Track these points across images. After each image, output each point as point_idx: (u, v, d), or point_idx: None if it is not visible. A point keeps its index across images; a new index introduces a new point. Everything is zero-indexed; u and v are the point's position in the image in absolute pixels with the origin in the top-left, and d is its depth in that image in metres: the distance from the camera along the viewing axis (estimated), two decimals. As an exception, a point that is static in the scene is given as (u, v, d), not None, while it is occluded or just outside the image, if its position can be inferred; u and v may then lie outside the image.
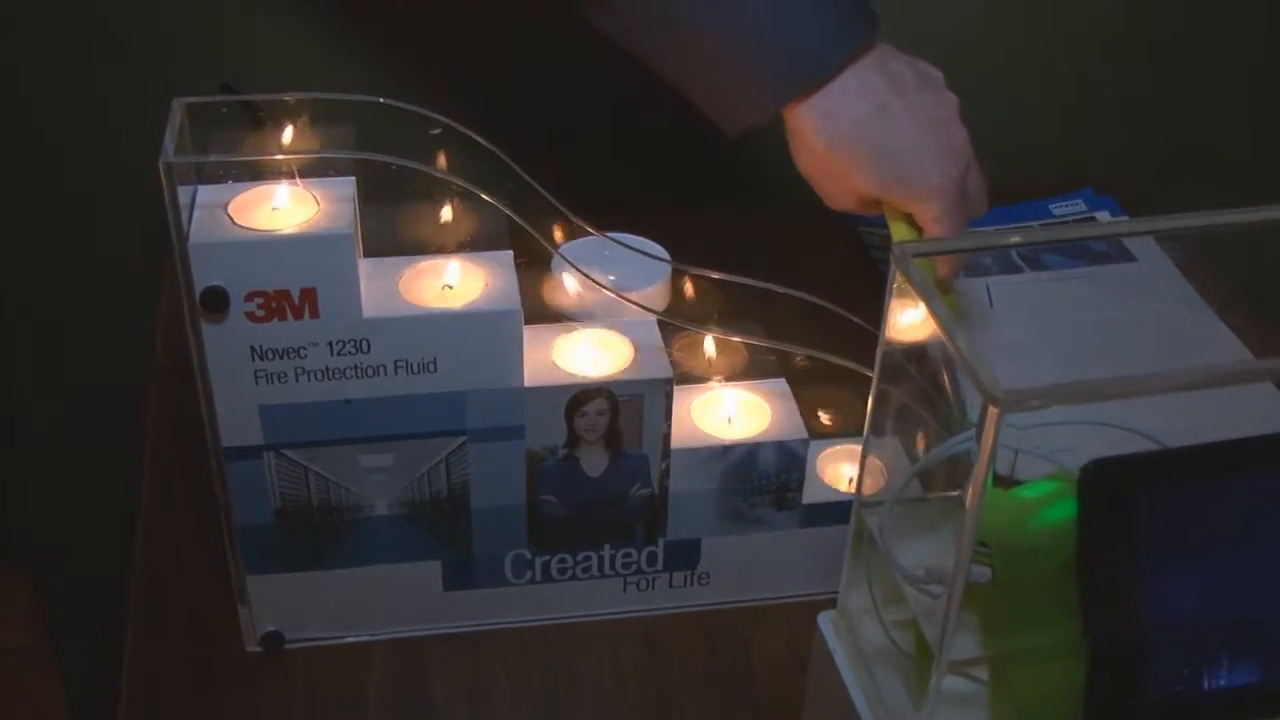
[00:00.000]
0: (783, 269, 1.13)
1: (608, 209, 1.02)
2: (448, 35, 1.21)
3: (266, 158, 0.71)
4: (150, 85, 1.12)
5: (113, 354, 1.24)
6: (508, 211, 0.73)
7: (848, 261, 1.16)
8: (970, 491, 0.55)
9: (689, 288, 0.90)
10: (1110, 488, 0.61)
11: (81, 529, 1.40)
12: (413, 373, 0.74)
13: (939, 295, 0.57)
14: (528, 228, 0.73)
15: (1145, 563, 0.60)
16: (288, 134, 0.74)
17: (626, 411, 0.78)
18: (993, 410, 0.53)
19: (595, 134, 1.29)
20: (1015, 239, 0.79)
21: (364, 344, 0.73)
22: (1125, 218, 1.20)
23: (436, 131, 0.75)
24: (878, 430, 0.67)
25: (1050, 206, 1.22)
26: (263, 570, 0.80)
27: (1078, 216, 1.20)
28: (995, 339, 1.06)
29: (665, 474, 0.80)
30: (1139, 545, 0.60)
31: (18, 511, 1.44)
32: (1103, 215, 1.21)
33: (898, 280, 0.60)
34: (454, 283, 0.75)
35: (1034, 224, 1.20)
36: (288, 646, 0.83)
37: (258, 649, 0.83)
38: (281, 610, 0.82)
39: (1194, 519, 0.62)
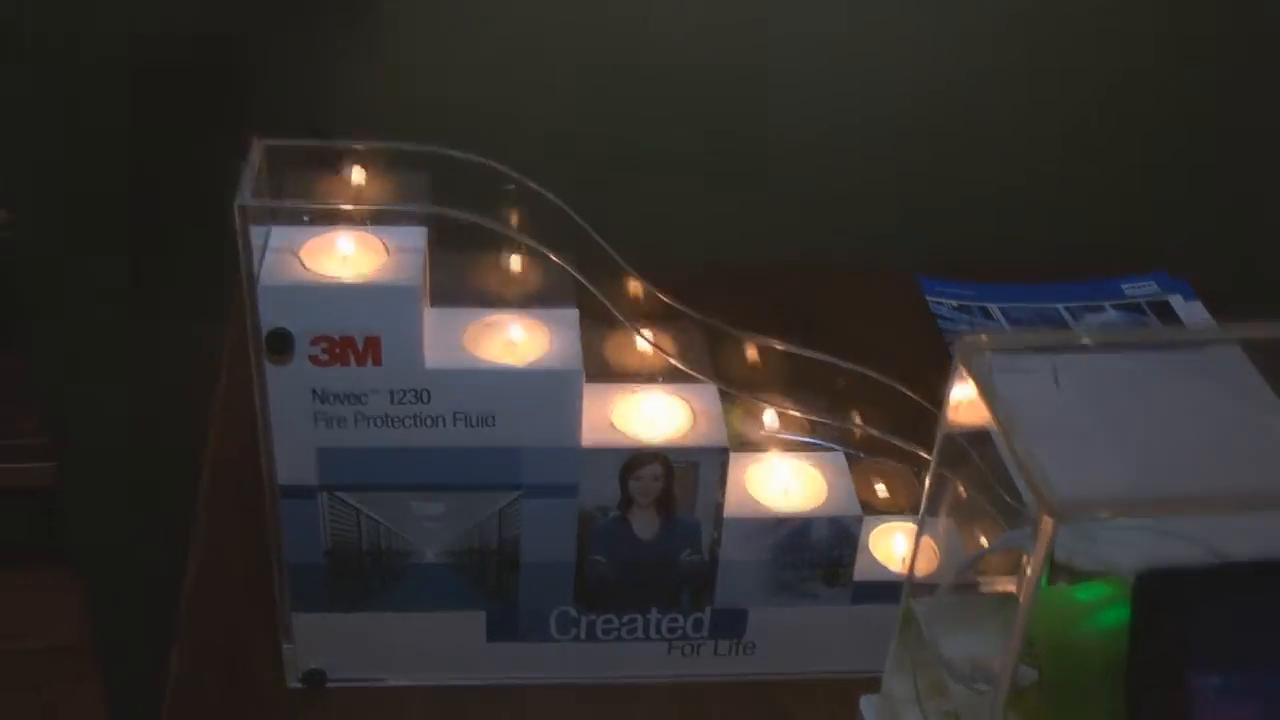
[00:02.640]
0: (851, 332, 1.12)
1: (674, 265, 1.02)
2: (534, 93, 1.22)
3: (338, 206, 0.72)
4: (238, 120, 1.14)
5: (179, 371, 1.25)
6: (573, 272, 0.73)
7: (915, 328, 1.15)
8: (1022, 598, 0.55)
9: (751, 353, 0.89)
10: (1165, 599, 0.60)
11: (137, 535, 1.41)
12: (471, 425, 0.74)
13: (999, 394, 0.56)
14: (593, 290, 0.73)
15: (1197, 678, 0.58)
16: (363, 179, 0.75)
17: (681, 478, 0.77)
18: (1048, 519, 0.52)
19: (665, 190, 1.29)
20: (1086, 340, 0.77)
21: (424, 394, 0.73)
22: (1198, 303, 1.19)
23: (510, 187, 0.75)
24: (932, 513, 0.66)
25: (1123, 286, 1.21)
26: (309, 608, 0.80)
27: (1149, 298, 1.19)
28: (1058, 421, 1.05)
29: (716, 542, 0.80)
30: (1192, 660, 0.59)
31: (76, 515, 1.45)
32: (1175, 299, 1.19)
33: (960, 373, 0.59)
34: (518, 339, 0.75)
35: (1106, 303, 1.19)
36: (329, 685, 0.83)
37: (299, 685, 0.83)
38: (325, 649, 0.82)
39: (1251, 637, 0.61)
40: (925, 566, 0.71)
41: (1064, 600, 0.66)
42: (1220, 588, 0.61)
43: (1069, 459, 1.02)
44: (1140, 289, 1.21)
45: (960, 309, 1.17)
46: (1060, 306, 1.18)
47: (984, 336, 0.59)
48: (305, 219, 0.73)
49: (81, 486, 1.43)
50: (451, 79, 1.21)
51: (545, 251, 0.72)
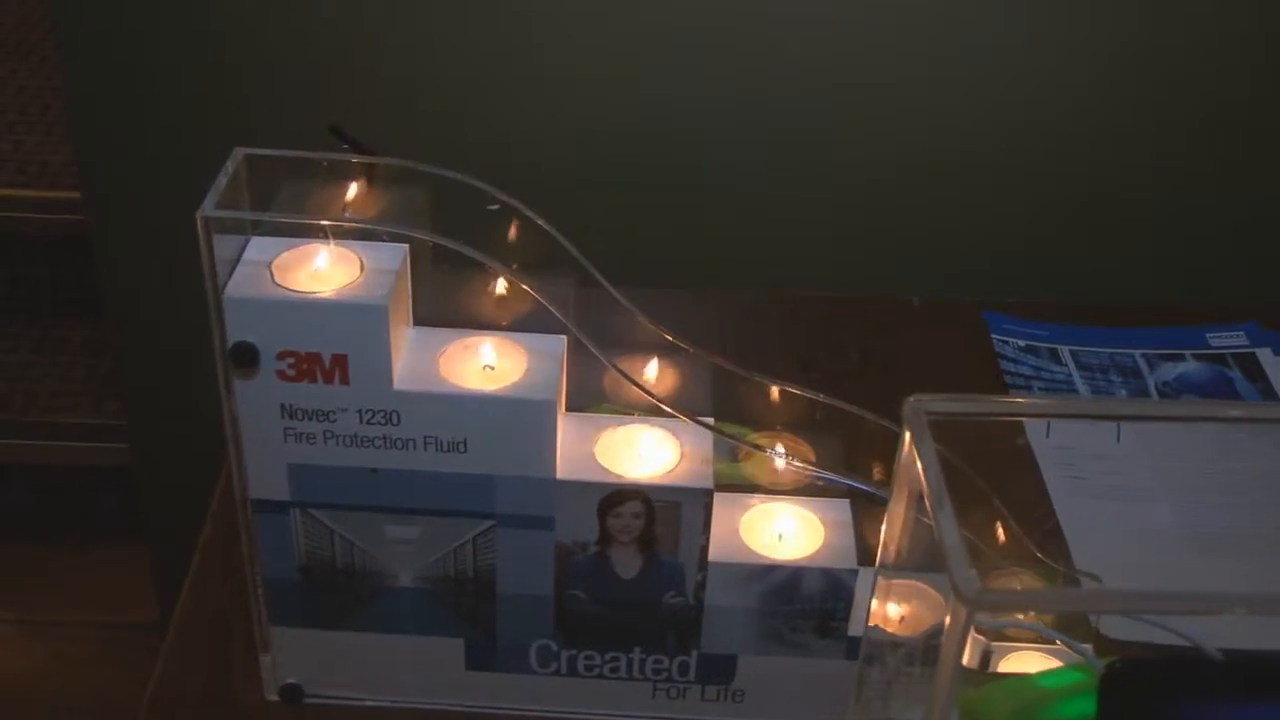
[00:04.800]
0: (902, 369, 1.08)
1: (736, 291, 0.98)
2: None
3: (306, 220, 0.70)
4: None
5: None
6: (539, 298, 0.70)
7: (972, 369, 1.10)
8: (937, 686, 0.51)
9: (774, 393, 0.86)
10: (1134, 694, 0.55)
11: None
12: (442, 450, 0.72)
13: (938, 467, 0.52)
14: (560, 317, 0.71)
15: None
16: (352, 190, 0.73)
17: (663, 517, 0.74)
18: (960, 608, 0.48)
19: (728, 216, 1.26)
20: (1054, 408, 0.72)
21: (394, 416, 0.71)
22: (1287, 359, 1.12)
23: (494, 207, 0.73)
24: (888, 573, 0.62)
25: (1208, 335, 1.14)
26: (286, 622, 0.79)
27: (1235, 350, 1.12)
28: (1112, 479, 0.99)
29: (701, 586, 0.77)
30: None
31: (151, 495, 1.48)
32: (1264, 353, 1.12)
33: (908, 437, 0.55)
34: (496, 363, 0.73)
35: (1187, 353, 1.12)
36: (306, 701, 0.82)
37: (276, 699, 0.82)
38: (303, 664, 0.81)
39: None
40: (892, 627, 0.67)
41: (1025, 686, 0.61)
42: (1198, 685, 0.56)
43: (1111, 516, 0.97)
44: (1227, 340, 1.13)
45: (1027, 350, 1.11)
46: (1137, 353, 1.12)
47: (931, 397, 0.55)
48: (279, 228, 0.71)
49: (156, 466, 1.45)
50: (456, 96, 1.21)
51: (501, 268, 0.70)
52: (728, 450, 0.80)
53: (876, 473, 0.79)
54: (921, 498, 0.58)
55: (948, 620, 0.49)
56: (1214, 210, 1.25)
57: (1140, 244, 1.26)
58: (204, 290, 0.68)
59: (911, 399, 0.55)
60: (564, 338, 0.75)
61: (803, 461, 0.79)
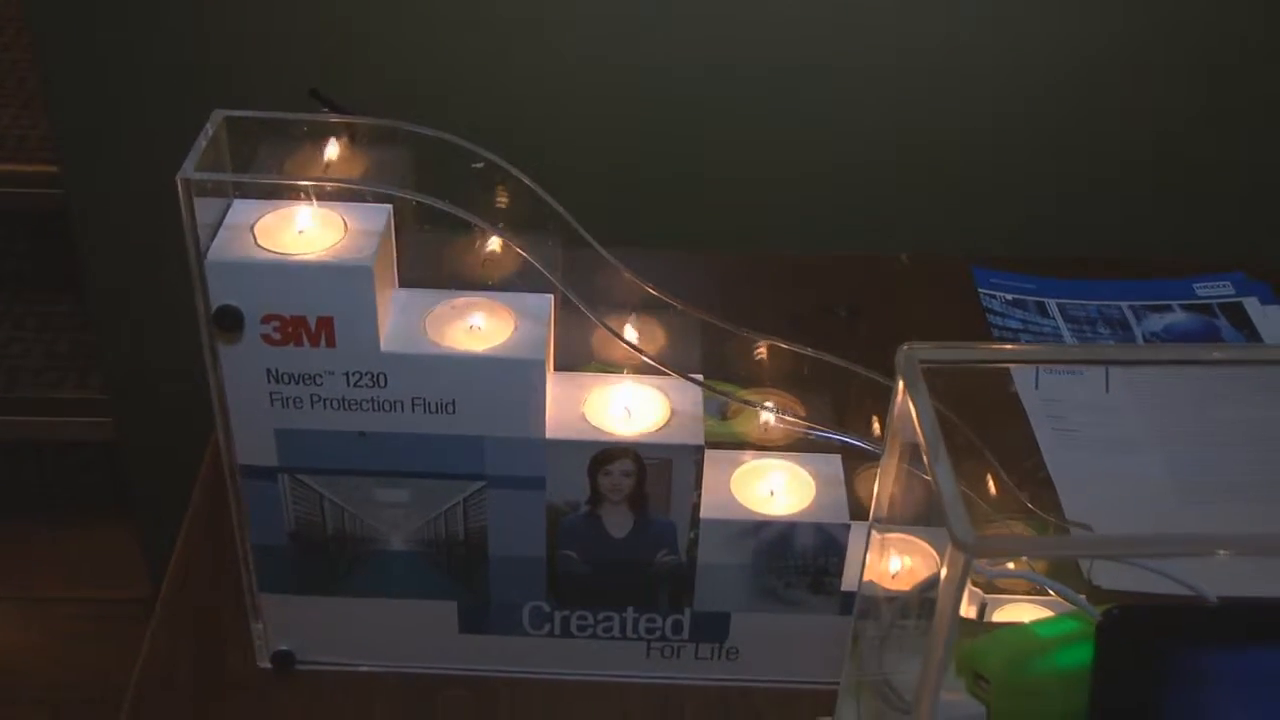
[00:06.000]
0: (890, 324, 1.08)
1: (723, 250, 0.96)
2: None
3: (289, 181, 0.69)
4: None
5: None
6: (527, 255, 0.70)
7: (962, 321, 1.10)
8: (934, 635, 0.51)
9: (763, 349, 0.85)
10: (1132, 642, 0.55)
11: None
12: (430, 412, 0.72)
13: (933, 415, 0.52)
14: (555, 281, 0.70)
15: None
16: (339, 154, 0.72)
17: (653, 475, 0.74)
18: (957, 555, 0.48)
19: (718, 174, 1.25)
20: (1041, 354, 0.72)
21: (381, 378, 0.71)
22: (1277, 307, 1.11)
23: (479, 165, 0.72)
24: (881, 525, 0.62)
25: (1195, 286, 1.14)
26: (276, 589, 0.79)
27: (1223, 300, 1.12)
28: (1102, 429, 0.99)
29: (693, 543, 0.76)
30: (1161, 708, 0.54)
31: (137, 470, 1.47)
32: (1251, 302, 1.12)
33: (901, 385, 0.55)
34: (483, 324, 0.72)
35: (1174, 303, 1.12)
36: (299, 667, 0.82)
37: (268, 666, 0.81)
38: (294, 630, 0.81)
39: (1226, 684, 0.56)
40: (909, 578, 0.67)
41: (1020, 635, 0.61)
42: (1196, 631, 0.56)
43: (1096, 466, 0.97)
44: (1214, 289, 1.13)
45: (1014, 303, 1.11)
46: (1124, 305, 1.12)
47: (924, 345, 0.55)
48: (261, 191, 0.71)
49: (142, 440, 1.44)
50: (450, 59, 1.19)
51: (487, 227, 0.69)
52: (717, 408, 0.80)
53: (868, 427, 0.79)
54: (915, 450, 0.57)
55: (944, 568, 0.48)
56: (1202, 158, 1.25)
57: (1129, 198, 1.26)
58: (185, 260, 0.67)
59: (905, 347, 0.55)
60: (551, 297, 0.74)
61: (793, 417, 0.79)
